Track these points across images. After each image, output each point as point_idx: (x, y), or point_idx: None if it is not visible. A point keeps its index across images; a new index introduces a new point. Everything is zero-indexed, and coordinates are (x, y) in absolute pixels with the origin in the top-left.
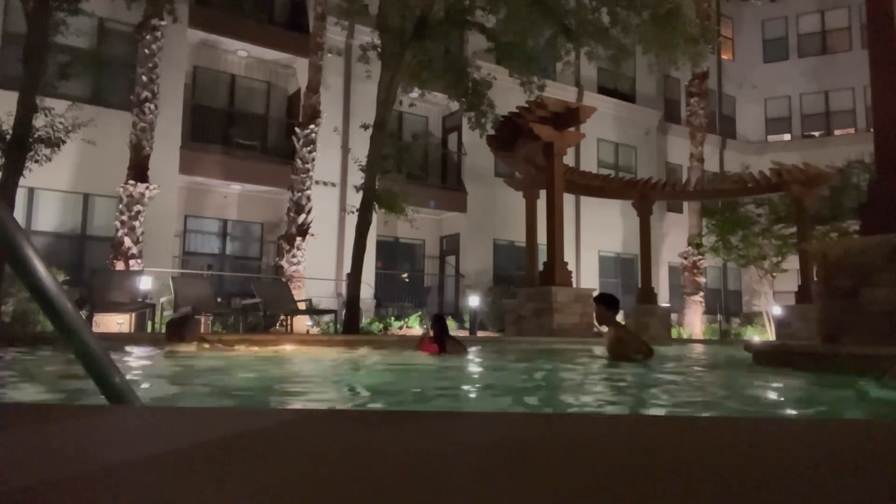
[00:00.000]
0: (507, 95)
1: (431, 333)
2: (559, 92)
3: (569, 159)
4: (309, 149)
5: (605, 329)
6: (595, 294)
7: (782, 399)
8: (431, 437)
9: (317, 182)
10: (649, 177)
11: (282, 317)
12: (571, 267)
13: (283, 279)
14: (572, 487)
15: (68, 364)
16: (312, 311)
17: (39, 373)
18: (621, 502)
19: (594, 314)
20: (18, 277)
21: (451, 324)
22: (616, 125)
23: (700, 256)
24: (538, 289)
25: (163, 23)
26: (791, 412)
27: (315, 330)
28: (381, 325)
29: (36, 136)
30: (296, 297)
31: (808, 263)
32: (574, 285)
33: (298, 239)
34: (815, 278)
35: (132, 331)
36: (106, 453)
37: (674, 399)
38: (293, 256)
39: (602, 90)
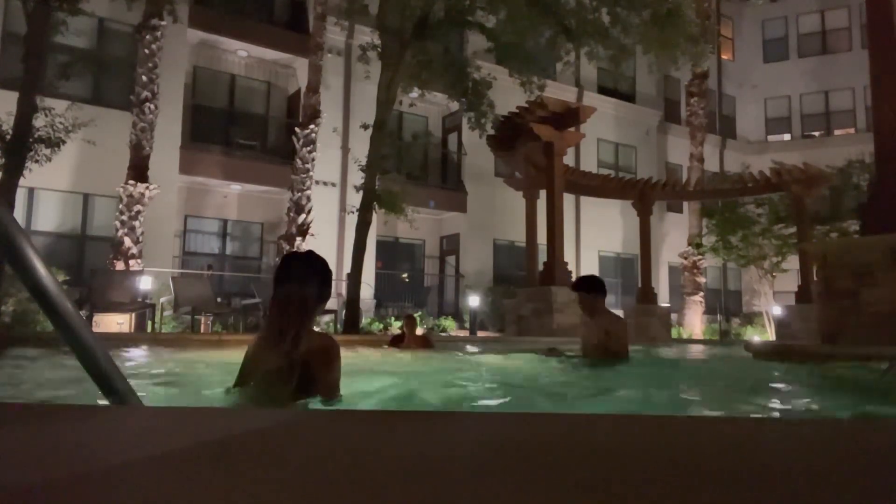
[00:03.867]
0: (507, 95)
1: (405, 331)
2: (559, 92)
3: (569, 159)
4: (309, 149)
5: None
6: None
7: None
8: (431, 437)
9: (317, 182)
10: (649, 177)
11: None
12: (571, 267)
13: None
14: (572, 487)
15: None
16: None
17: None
18: (621, 502)
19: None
20: (18, 277)
21: (451, 324)
22: (616, 125)
23: (700, 256)
24: (538, 289)
25: (163, 23)
26: (792, 412)
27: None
28: (381, 325)
29: (36, 136)
30: None
31: (808, 263)
32: None
33: (298, 239)
34: (815, 278)
35: (132, 331)
36: (106, 453)
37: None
38: None
39: (602, 90)
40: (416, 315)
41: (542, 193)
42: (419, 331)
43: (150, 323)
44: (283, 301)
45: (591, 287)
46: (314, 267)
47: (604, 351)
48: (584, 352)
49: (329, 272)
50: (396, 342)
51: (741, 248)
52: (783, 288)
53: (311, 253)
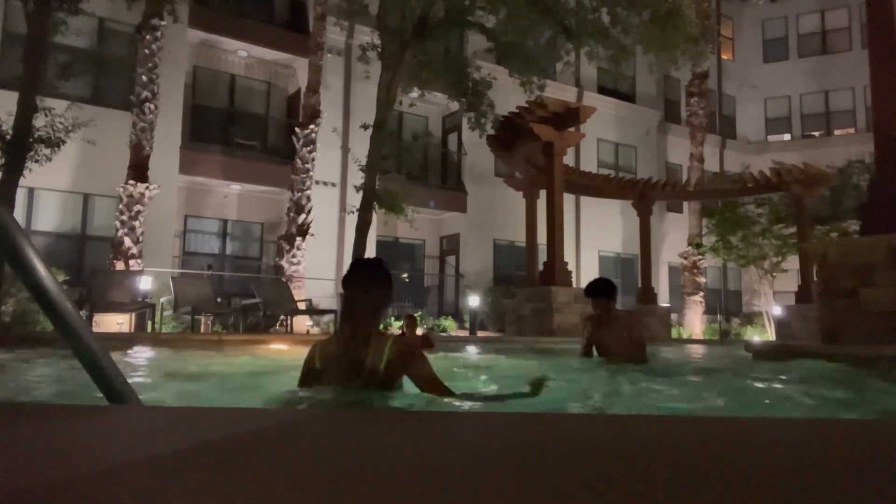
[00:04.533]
0: (507, 95)
1: (406, 331)
2: (559, 92)
3: (569, 159)
4: (309, 149)
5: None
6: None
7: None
8: (431, 437)
9: (317, 182)
10: (649, 177)
11: (282, 317)
12: (571, 267)
13: (283, 279)
14: (572, 487)
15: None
16: (312, 311)
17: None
18: (621, 502)
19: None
20: (18, 277)
21: (451, 324)
22: (616, 125)
23: (700, 256)
24: (538, 289)
25: (163, 23)
26: (791, 412)
27: (315, 330)
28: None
29: (36, 136)
30: (296, 297)
31: (808, 263)
32: (574, 285)
33: (298, 239)
34: (815, 278)
35: (132, 331)
36: (106, 453)
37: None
38: (293, 256)
39: (602, 90)
40: (416, 315)
41: (542, 193)
42: (419, 331)
43: (150, 323)
44: (352, 304)
45: (612, 291)
46: (378, 272)
47: (629, 353)
48: (606, 357)
49: (390, 276)
50: None
51: (741, 248)
52: (783, 288)
53: (375, 259)
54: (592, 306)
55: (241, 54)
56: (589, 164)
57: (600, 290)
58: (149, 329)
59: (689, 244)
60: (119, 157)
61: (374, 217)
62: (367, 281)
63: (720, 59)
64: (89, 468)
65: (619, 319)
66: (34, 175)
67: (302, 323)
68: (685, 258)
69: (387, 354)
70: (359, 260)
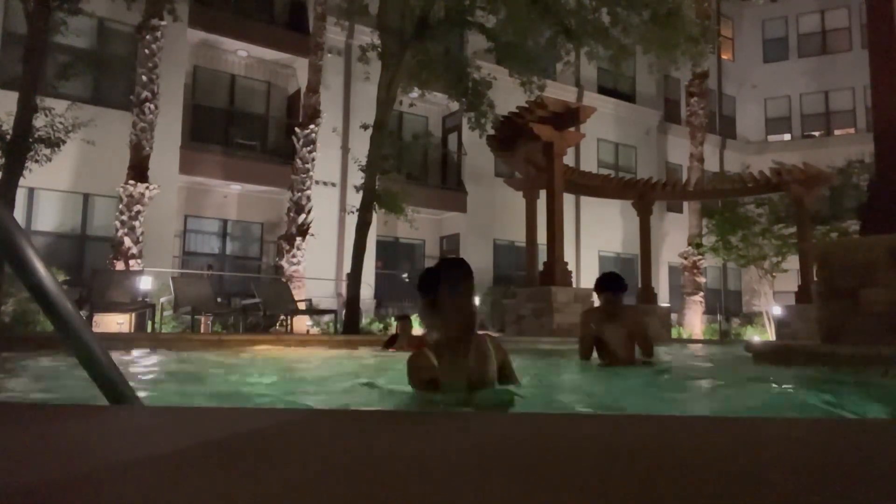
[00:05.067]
0: (507, 95)
1: (399, 332)
2: (559, 92)
3: (569, 159)
4: (309, 149)
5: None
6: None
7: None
8: (431, 437)
9: (317, 182)
10: (649, 177)
11: (282, 317)
12: (571, 267)
13: (283, 279)
14: (572, 487)
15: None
16: (312, 311)
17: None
18: (621, 502)
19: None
20: (18, 277)
21: None
22: (616, 125)
23: (700, 256)
24: (538, 289)
25: (163, 23)
26: (791, 412)
27: (315, 330)
28: (381, 325)
29: (36, 136)
30: (296, 297)
31: (808, 263)
32: (574, 285)
33: (298, 239)
34: (815, 278)
35: (132, 331)
36: (106, 453)
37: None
38: (293, 256)
39: (602, 90)
40: (412, 315)
41: (542, 193)
42: (416, 331)
43: (150, 323)
44: (464, 308)
45: (625, 287)
46: (469, 270)
47: (634, 353)
48: (609, 360)
49: None
50: (390, 344)
51: (741, 248)
52: (783, 288)
53: (464, 262)
54: (602, 301)
55: (241, 54)
56: (589, 164)
57: (617, 283)
58: (149, 329)
59: (689, 244)
60: (119, 157)
61: (374, 217)
62: (471, 285)
63: (720, 59)
64: (89, 468)
65: (624, 317)
66: (34, 175)
67: (302, 323)
68: (685, 258)
69: (494, 352)
70: (453, 261)
